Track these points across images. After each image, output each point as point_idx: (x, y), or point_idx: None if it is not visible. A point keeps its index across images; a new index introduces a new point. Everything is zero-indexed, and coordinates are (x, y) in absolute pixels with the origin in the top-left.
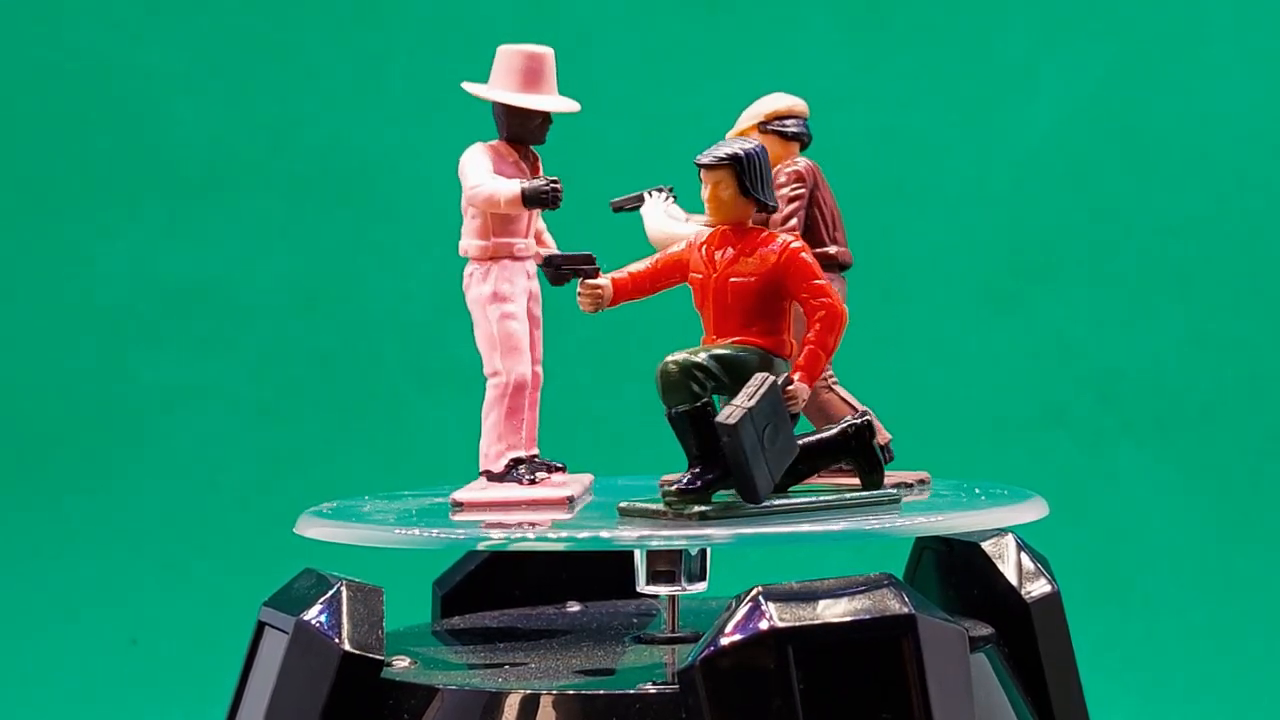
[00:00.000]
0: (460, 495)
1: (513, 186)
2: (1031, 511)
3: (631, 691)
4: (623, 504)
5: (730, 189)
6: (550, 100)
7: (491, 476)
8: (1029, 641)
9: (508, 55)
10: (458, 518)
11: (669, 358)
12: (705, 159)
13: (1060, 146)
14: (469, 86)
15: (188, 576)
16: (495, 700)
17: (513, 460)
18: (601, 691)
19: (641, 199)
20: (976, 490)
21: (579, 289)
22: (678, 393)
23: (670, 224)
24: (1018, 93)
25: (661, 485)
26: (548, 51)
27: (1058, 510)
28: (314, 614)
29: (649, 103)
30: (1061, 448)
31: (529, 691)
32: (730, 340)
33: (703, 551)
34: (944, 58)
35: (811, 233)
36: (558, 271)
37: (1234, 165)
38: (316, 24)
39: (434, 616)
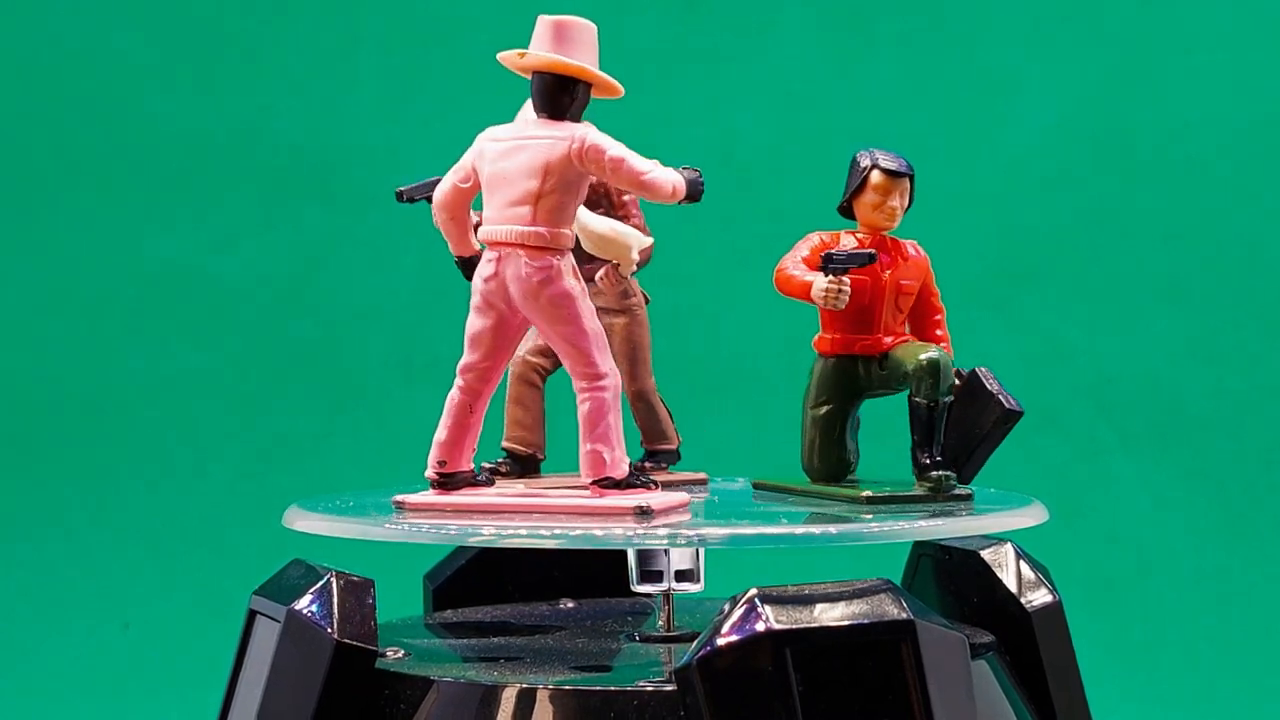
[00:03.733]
0: (654, 503)
1: (678, 176)
2: (1031, 517)
3: (629, 689)
4: (866, 493)
5: (909, 198)
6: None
7: (611, 484)
8: (1031, 650)
9: (585, 29)
10: (649, 524)
11: (936, 353)
12: (901, 168)
13: (1053, 150)
14: (576, 64)
15: (178, 563)
16: (492, 693)
17: (632, 466)
18: (599, 688)
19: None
20: (977, 495)
21: (839, 286)
22: (947, 383)
23: (614, 223)
24: (1010, 96)
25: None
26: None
27: (1056, 517)
28: (305, 604)
29: (626, 104)
30: (1058, 454)
31: (526, 685)
32: (910, 338)
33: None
34: (939, 61)
35: None
36: (843, 265)
37: (1228, 172)
38: (296, 14)
39: (425, 610)
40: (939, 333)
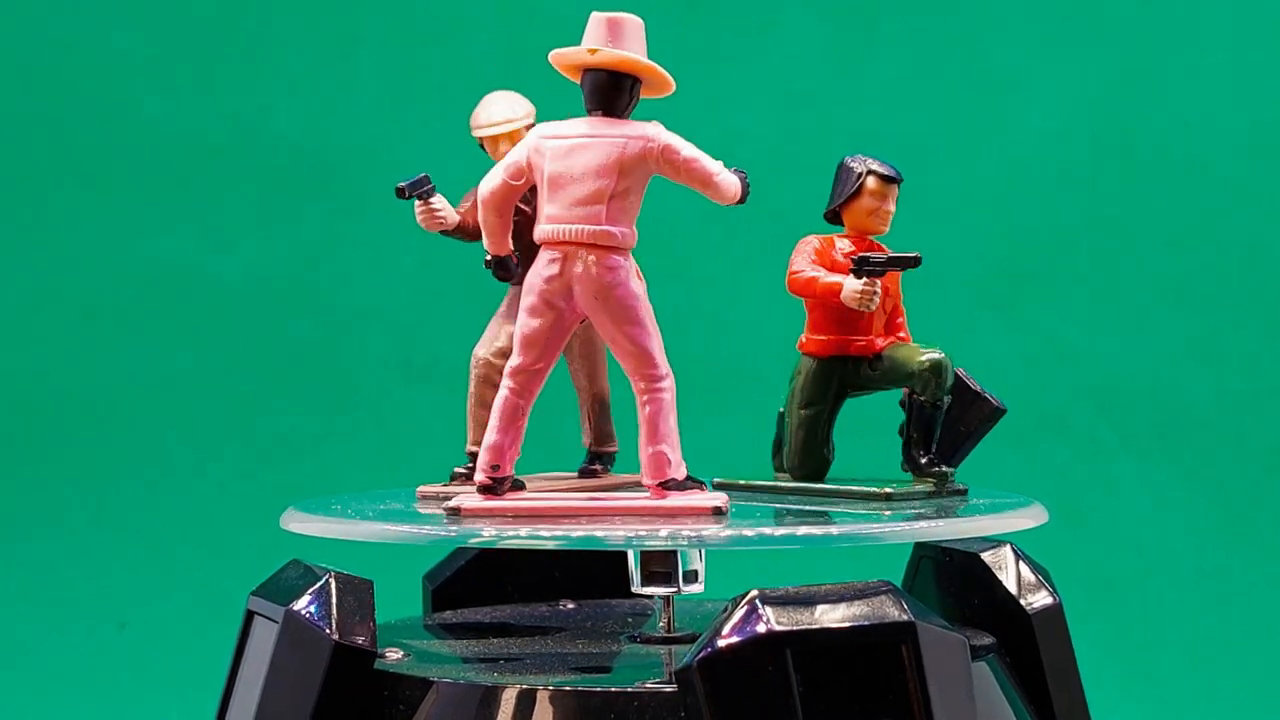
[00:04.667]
0: (723, 502)
1: (736, 179)
2: (1032, 518)
3: (629, 689)
4: (889, 489)
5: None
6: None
7: (673, 485)
8: (1031, 652)
9: (638, 26)
10: (719, 523)
11: (939, 354)
12: (894, 173)
13: (1059, 152)
14: (647, 61)
15: (176, 563)
16: (491, 694)
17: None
18: (598, 689)
19: (426, 181)
20: (978, 496)
21: (874, 288)
22: (949, 383)
23: None
24: (1017, 97)
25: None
26: None
27: (1056, 519)
28: (303, 604)
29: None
30: (1059, 456)
31: (526, 686)
32: (895, 339)
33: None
34: (941, 61)
35: None
36: (882, 268)
37: (1229, 173)
38: (295, 13)
39: (425, 610)
40: (902, 334)
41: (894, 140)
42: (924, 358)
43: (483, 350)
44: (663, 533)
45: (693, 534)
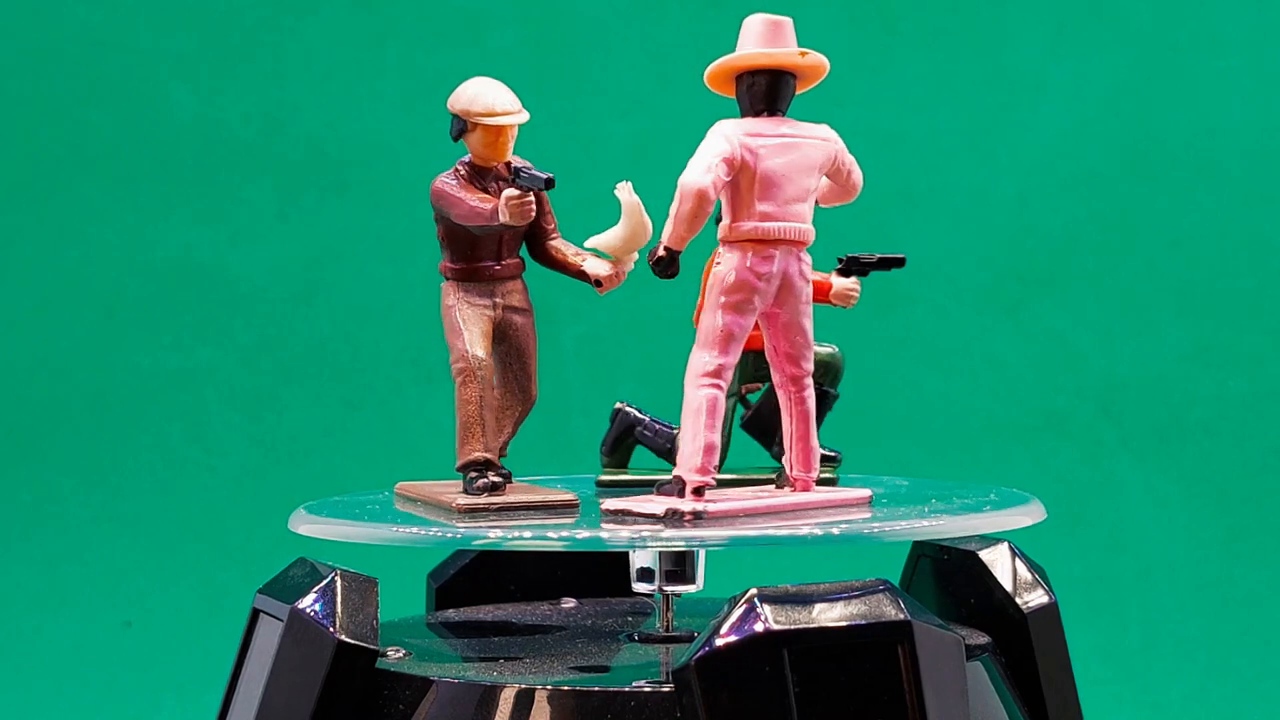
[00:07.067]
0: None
1: None
2: (1030, 516)
3: (626, 689)
4: (825, 474)
5: None
6: None
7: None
8: (1026, 651)
9: (791, 26)
10: (871, 514)
11: (835, 348)
12: None
13: (1068, 155)
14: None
15: (181, 561)
16: (490, 693)
17: None
18: (596, 688)
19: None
20: (976, 494)
21: (859, 288)
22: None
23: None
24: (1027, 100)
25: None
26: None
27: (1056, 519)
28: (309, 603)
29: (653, 102)
30: (1061, 457)
31: (524, 686)
32: None
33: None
34: (953, 63)
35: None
36: (870, 268)
37: (1241, 178)
38: (317, 8)
39: (428, 609)
40: None
41: (903, 142)
42: (825, 351)
43: (477, 351)
44: (666, 534)
45: (694, 534)
